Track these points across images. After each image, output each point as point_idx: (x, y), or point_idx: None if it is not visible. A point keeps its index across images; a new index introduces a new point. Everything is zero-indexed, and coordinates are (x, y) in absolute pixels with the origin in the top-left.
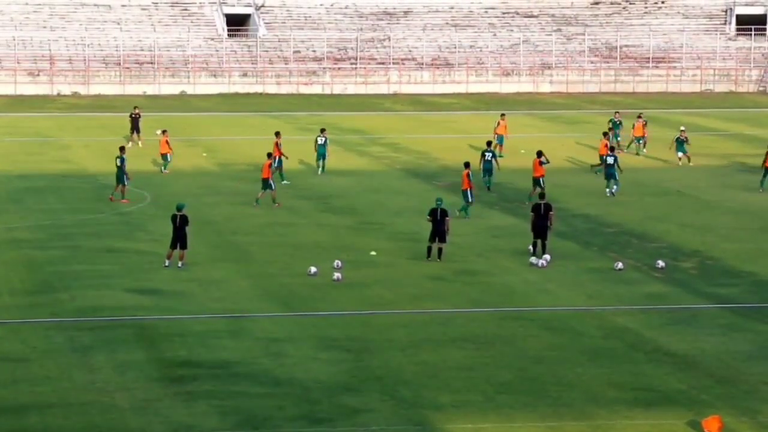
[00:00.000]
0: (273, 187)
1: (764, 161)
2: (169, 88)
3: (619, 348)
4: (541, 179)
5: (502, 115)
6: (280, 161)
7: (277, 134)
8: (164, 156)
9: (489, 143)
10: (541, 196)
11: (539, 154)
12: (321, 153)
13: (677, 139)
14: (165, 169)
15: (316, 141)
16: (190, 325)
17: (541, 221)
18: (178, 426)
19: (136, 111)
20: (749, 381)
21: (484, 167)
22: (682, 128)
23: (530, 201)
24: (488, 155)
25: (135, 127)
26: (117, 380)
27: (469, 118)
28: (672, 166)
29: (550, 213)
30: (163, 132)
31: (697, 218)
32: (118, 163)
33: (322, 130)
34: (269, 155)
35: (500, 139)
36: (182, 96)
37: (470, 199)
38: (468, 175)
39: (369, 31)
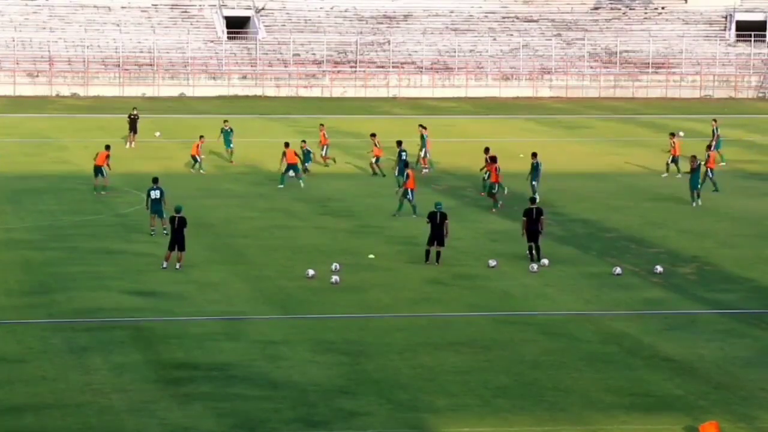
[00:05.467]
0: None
1: None
2: (168, 90)
3: (616, 353)
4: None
5: (372, 135)
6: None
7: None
8: (194, 157)
9: (401, 143)
10: (532, 200)
11: (495, 159)
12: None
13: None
14: (201, 169)
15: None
16: (187, 327)
17: (532, 226)
18: (174, 428)
19: (135, 112)
20: (747, 387)
21: (400, 167)
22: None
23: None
24: (404, 155)
25: (132, 127)
26: (113, 382)
27: (469, 122)
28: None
29: (542, 217)
30: (200, 137)
31: (695, 224)
32: None
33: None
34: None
35: (378, 160)
36: (181, 98)
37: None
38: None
39: (369, 35)
